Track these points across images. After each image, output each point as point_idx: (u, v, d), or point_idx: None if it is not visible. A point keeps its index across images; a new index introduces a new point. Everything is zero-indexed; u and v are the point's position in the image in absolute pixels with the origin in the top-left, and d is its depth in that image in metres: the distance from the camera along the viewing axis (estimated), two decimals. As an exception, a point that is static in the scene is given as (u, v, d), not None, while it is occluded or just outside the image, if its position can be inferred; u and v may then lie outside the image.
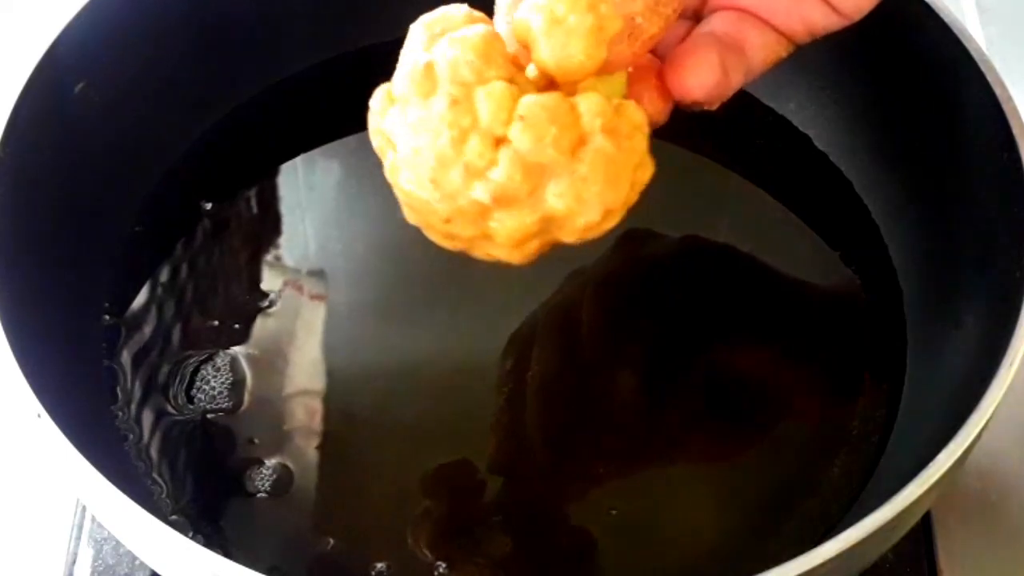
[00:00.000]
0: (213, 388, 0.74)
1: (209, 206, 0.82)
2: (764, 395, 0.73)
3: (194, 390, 0.74)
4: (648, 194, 0.79)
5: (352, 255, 0.80)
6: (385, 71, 0.87)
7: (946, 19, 0.72)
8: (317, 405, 0.73)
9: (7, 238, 0.68)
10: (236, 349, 0.75)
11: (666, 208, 0.82)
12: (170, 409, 0.73)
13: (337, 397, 0.73)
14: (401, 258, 0.78)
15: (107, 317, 0.76)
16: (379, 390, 0.74)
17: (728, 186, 0.83)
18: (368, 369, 0.75)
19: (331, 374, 0.74)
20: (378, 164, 0.84)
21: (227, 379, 0.74)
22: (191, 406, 0.73)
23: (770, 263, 0.79)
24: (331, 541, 0.68)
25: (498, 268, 0.76)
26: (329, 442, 0.72)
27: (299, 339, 0.76)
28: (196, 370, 0.75)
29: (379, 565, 0.67)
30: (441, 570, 0.67)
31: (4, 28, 1.01)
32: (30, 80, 0.70)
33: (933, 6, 0.73)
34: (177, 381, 0.74)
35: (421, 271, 0.77)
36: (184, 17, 0.81)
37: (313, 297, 0.78)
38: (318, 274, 0.79)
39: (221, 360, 0.75)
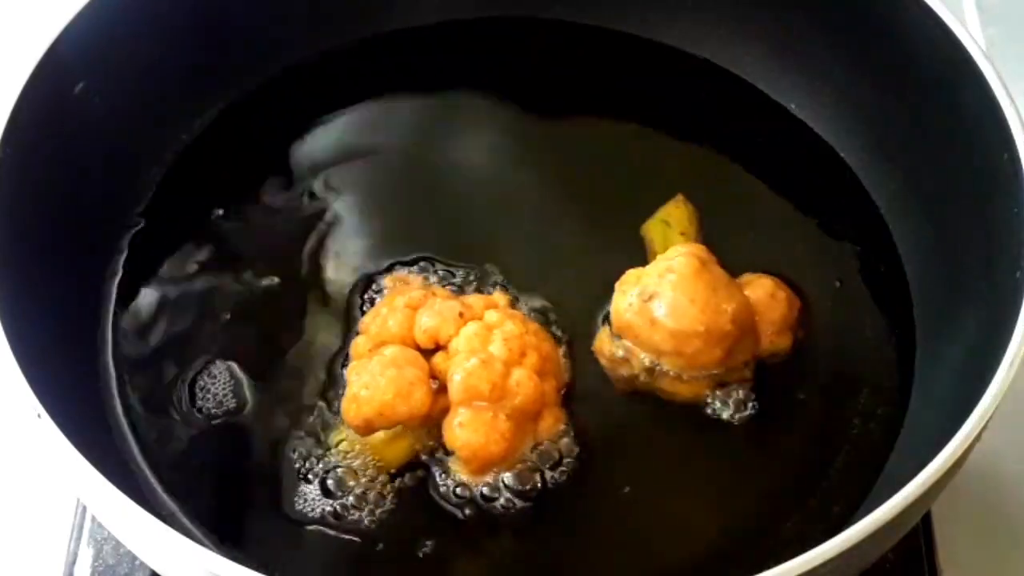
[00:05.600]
0: (214, 388, 0.74)
1: (207, 201, 0.82)
2: (766, 395, 0.73)
3: (196, 388, 0.74)
4: (655, 191, 0.81)
5: (349, 248, 0.80)
6: (381, 63, 0.88)
7: (946, 19, 0.73)
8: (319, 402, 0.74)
9: (7, 238, 0.68)
10: (236, 348, 0.76)
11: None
12: (170, 408, 0.74)
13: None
14: (399, 250, 0.79)
15: (107, 316, 0.76)
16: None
17: (731, 184, 0.83)
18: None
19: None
20: (375, 160, 0.85)
21: (227, 381, 0.74)
22: (191, 405, 0.73)
23: (775, 262, 0.79)
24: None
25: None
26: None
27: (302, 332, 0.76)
28: (196, 370, 0.75)
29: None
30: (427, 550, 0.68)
31: (4, 28, 1.01)
32: (30, 80, 0.70)
33: (933, 6, 0.73)
34: (178, 381, 0.75)
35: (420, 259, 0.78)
36: (183, 17, 0.81)
37: (318, 287, 0.78)
38: (317, 265, 0.79)
39: (220, 363, 0.75)
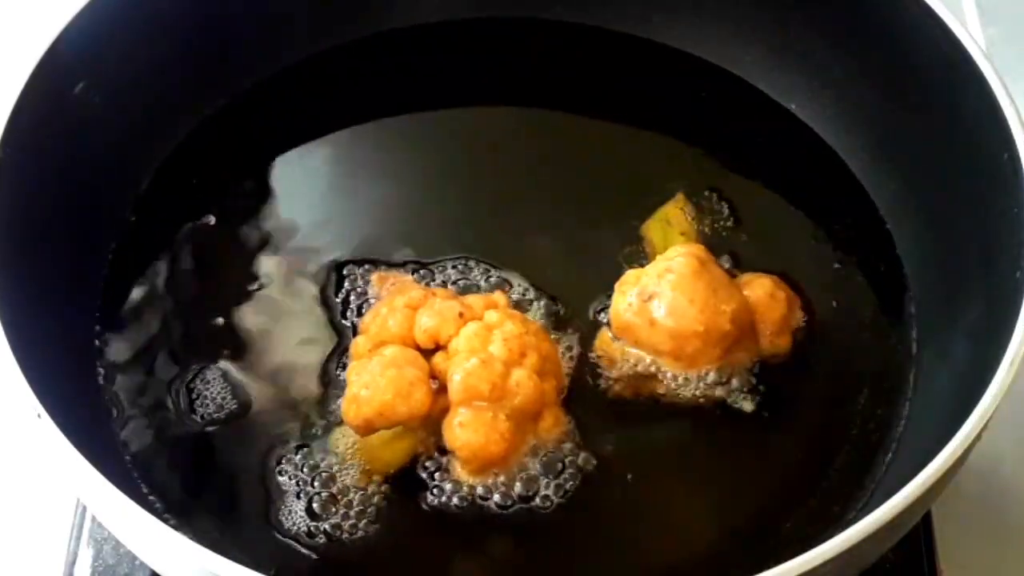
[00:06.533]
0: (210, 390, 0.74)
1: (206, 201, 0.82)
2: (766, 395, 0.73)
3: (192, 389, 0.74)
4: (655, 191, 0.81)
5: (346, 248, 0.80)
6: (381, 63, 0.88)
7: (946, 19, 0.73)
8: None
9: (7, 238, 0.68)
10: (232, 350, 0.76)
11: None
12: (168, 408, 0.74)
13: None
14: (396, 250, 0.79)
15: (106, 317, 0.76)
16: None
17: (731, 184, 0.82)
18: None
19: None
20: (374, 160, 0.85)
21: (222, 382, 0.74)
22: (188, 405, 0.74)
23: (775, 262, 0.79)
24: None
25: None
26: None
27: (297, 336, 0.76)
28: (193, 371, 0.75)
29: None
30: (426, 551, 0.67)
31: (4, 28, 1.01)
32: (30, 80, 0.70)
33: (933, 6, 0.73)
34: (175, 381, 0.75)
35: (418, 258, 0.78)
36: (183, 17, 0.81)
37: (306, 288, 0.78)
38: (313, 266, 0.79)
39: (214, 365, 0.75)
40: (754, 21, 0.85)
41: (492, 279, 0.77)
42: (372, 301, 0.76)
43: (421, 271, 0.77)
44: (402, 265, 0.78)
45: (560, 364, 0.73)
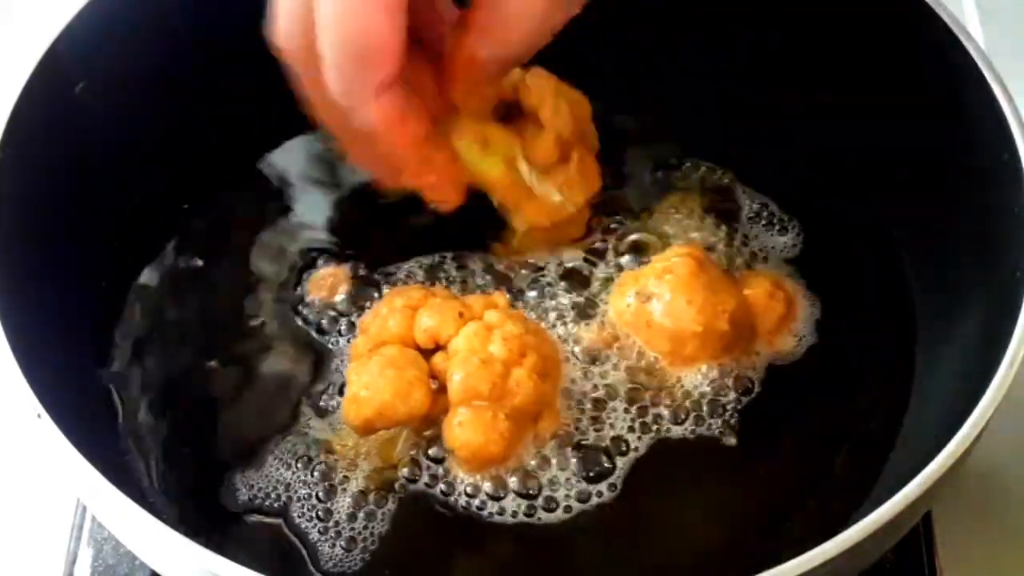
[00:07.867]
0: (212, 392, 0.74)
1: (207, 201, 0.82)
2: (766, 394, 0.73)
3: (194, 390, 0.74)
4: (655, 191, 0.81)
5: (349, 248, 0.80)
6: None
7: (946, 19, 0.73)
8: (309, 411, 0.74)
9: (7, 238, 0.68)
10: (233, 348, 0.76)
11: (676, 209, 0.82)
12: (169, 409, 0.74)
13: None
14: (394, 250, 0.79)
15: (106, 317, 0.76)
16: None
17: (732, 185, 0.83)
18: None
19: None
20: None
21: (223, 381, 0.75)
22: (189, 404, 0.74)
23: (775, 262, 0.79)
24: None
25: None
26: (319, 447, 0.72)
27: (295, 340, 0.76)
28: (193, 369, 0.75)
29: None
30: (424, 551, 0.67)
31: (4, 28, 1.01)
32: (30, 80, 0.70)
33: (933, 6, 0.73)
34: (176, 380, 0.75)
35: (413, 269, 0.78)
36: (183, 17, 0.81)
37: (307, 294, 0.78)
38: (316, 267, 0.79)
39: (215, 364, 0.75)
40: (754, 21, 0.85)
41: (491, 278, 0.77)
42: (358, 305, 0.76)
43: (422, 270, 0.78)
44: (404, 264, 0.78)
45: (560, 364, 0.73)
